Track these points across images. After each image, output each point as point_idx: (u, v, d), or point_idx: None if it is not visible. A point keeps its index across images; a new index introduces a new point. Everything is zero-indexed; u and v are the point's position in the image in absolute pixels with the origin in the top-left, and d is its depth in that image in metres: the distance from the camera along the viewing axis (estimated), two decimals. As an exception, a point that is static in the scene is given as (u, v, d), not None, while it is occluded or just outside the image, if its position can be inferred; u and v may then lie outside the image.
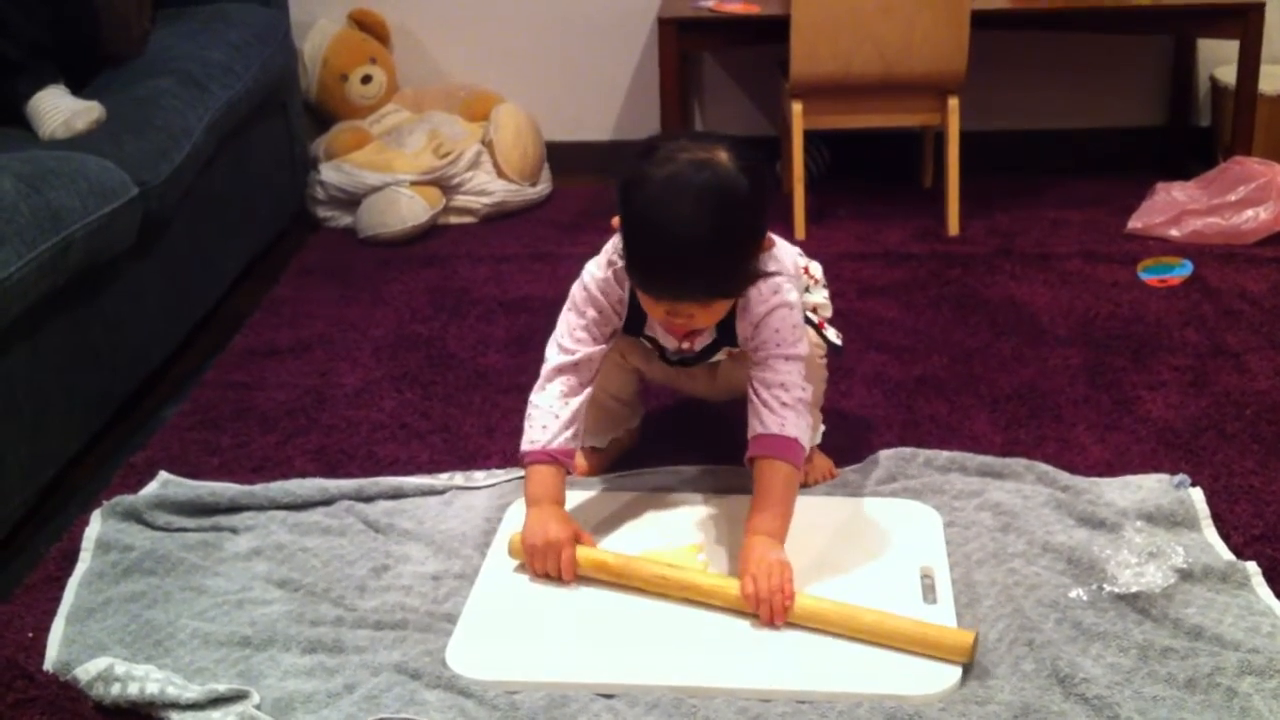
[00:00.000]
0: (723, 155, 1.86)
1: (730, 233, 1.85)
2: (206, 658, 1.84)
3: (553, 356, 2.05)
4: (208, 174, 2.93)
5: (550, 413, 2.02)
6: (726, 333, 2.03)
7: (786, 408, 1.97)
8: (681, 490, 2.20)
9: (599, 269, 2.04)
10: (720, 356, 2.12)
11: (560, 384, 2.04)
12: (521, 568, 2.00)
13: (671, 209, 1.83)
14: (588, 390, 2.05)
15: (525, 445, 2.03)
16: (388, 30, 3.85)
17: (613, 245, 2.01)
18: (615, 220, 1.94)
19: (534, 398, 2.05)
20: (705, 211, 1.83)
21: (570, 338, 2.05)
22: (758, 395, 1.99)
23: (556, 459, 2.02)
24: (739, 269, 1.91)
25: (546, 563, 1.96)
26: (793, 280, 2.04)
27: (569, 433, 2.02)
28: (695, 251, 1.83)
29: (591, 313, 2.04)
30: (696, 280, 1.88)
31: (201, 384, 2.71)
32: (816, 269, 2.24)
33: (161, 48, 3.08)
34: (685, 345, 2.08)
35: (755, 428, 1.98)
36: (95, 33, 2.94)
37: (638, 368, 2.22)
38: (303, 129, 3.63)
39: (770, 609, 1.84)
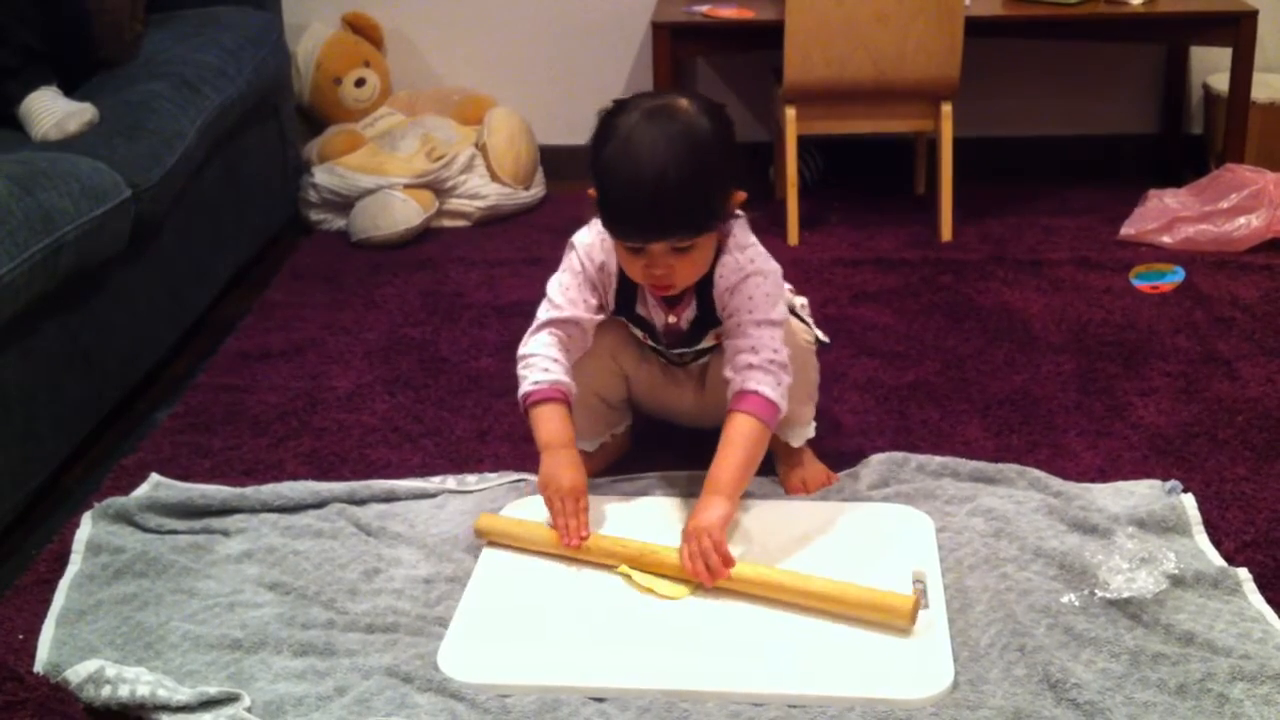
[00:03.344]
0: (683, 102, 1.95)
1: (696, 167, 1.90)
2: (197, 660, 1.83)
3: (542, 313, 2.09)
4: (200, 177, 2.93)
5: (547, 357, 2.06)
6: (708, 304, 2.07)
7: (753, 368, 2.01)
8: (671, 495, 2.20)
9: (588, 236, 2.09)
10: (709, 342, 2.14)
11: (550, 335, 2.07)
12: (508, 570, 2.01)
13: (637, 149, 1.90)
14: (574, 352, 2.09)
15: (527, 387, 2.05)
16: (381, 34, 3.85)
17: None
18: (591, 191, 1.98)
19: (525, 349, 2.08)
20: (670, 148, 1.89)
21: (563, 296, 2.09)
22: (728, 363, 2.04)
23: (565, 397, 2.04)
24: (708, 205, 1.95)
25: (565, 515, 1.99)
26: (768, 259, 2.08)
27: (569, 378, 2.05)
28: (663, 186, 1.89)
29: (581, 274, 2.08)
30: (667, 216, 1.92)
31: (193, 387, 2.71)
32: (803, 301, 2.28)
33: (154, 51, 3.08)
34: (672, 319, 2.10)
35: (727, 393, 2.04)
36: (88, 37, 2.93)
37: (626, 373, 2.23)
38: (296, 132, 3.63)
39: (706, 570, 1.90)
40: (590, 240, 2.09)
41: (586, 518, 2.01)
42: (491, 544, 2.07)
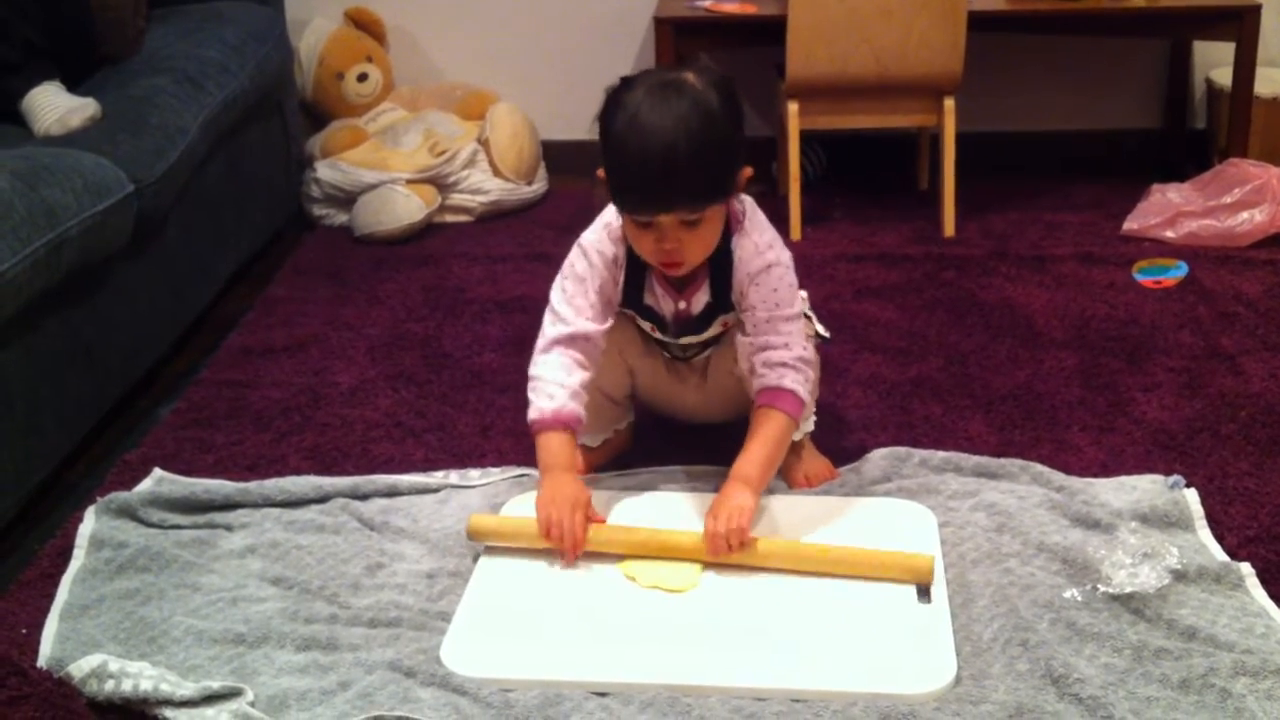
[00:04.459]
0: (690, 76, 1.96)
1: (704, 138, 1.91)
2: (200, 655, 1.83)
3: (549, 328, 2.09)
4: (203, 172, 2.93)
5: (555, 382, 2.05)
6: (721, 291, 2.07)
7: (784, 365, 2.04)
8: (675, 489, 2.20)
9: (593, 231, 2.10)
10: (716, 329, 2.15)
11: (559, 355, 2.07)
12: (511, 564, 2.01)
13: (645, 122, 1.91)
14: (589, 373, 2.08)
15: (533, 415, 2.06)
16: (384, 28, 3.85)
17: (608, 210, 2.06)
18: (600, 172, 1.99)
19: (535, 370, 2.08)
20: (678, 120, 1.90)
21: (568, 305, 2.09)
22: (757, 359, 2.05)
23: (568, 425, 2.04)
24: (717, 176, 1.95)
25: (561, 527, 1.98)
26: (784, 247, 2.10)
27: (576, 403, 2.05)
28: (672, 158, 1.89)
29: (587, 277, 2.08)
30: (676, 187, 1.92)
31: (196, 382, 2.71)
32: (803, 294, 2.28)
33: (157, 46, 3.08)
34: (683, 305, 2.10)
35: (755, 387, 2.06)
36: (91, 32, 2.93)
37: (632, 368, 2.23)
38: (299, 127, 3.63)
39: (725, 544, 1.93)
40: (597, 235, 2.09)
41: (584, 533, 1.98)
42: (489, 550, 2.06)
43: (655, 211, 1.95)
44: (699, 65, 1.99)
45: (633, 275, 2.09)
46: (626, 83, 1.98)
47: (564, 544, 1.97)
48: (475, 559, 2.04)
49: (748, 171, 2.02)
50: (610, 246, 2.08)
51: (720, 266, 2.06)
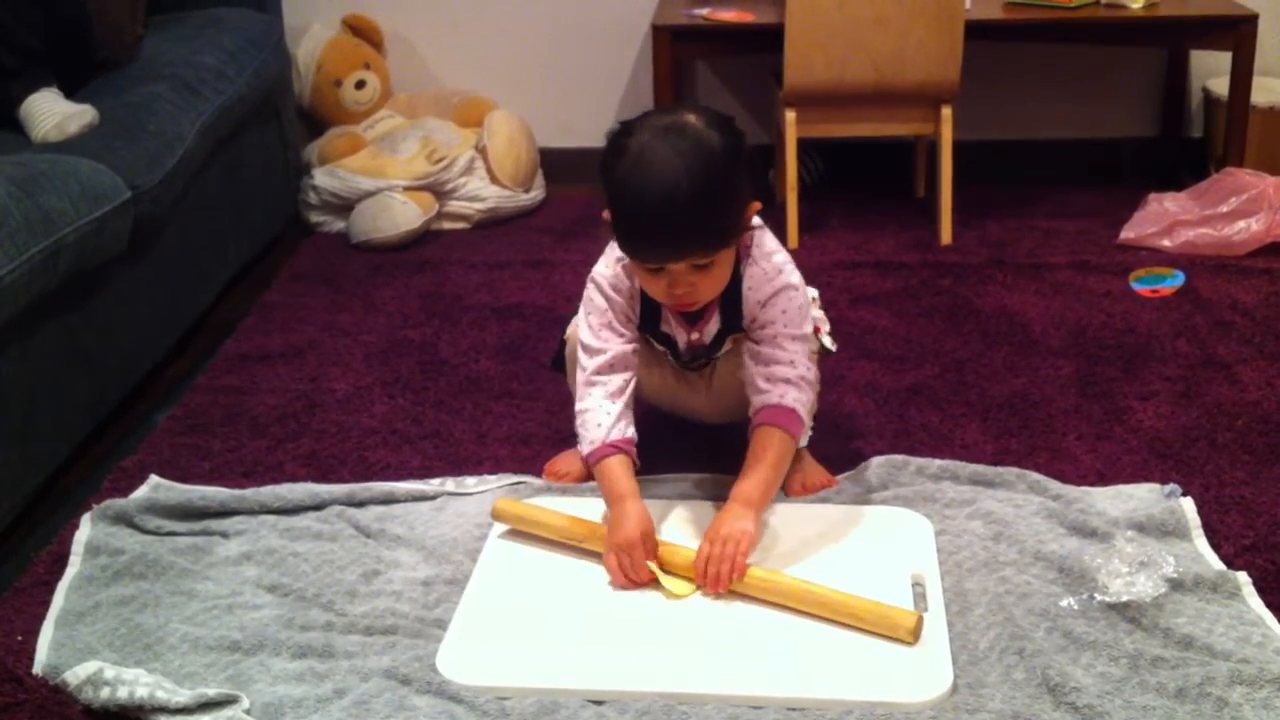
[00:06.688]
0: (691, 117, 1.93)
1: (708, 182, 1.89)
2: (196, 662, 1.83)
3: (585, 361, 2.09)
4: (201, 179, 2.93)
5: (601, 411, 2.06)
6: (732, 315, 2.07)
7: (788, 383, 2.03)
8: (675, 499, 2.19)
9: (606, 266, 2.09)
10: (726, 346, 2.15)
11: (601, 390, 2.08)
12: (507, 572, 2.01)
13: (648, 168, 1.89)
14: (629, 392, 2.09)
15: (585, 448, 2.07)
16: (382, 36, 3.85)
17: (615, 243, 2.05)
18: (606, 214, 1.97)
19: (579, 406, 2.09)
20: (680, 165, 1.87)
21: (596, 338, 2.09)
22: (760, 371, 2.04)
23: (619, 447, 2.05)
24: (723, 221, 1.94)
25: (623, 566, 1.96)
26: (795, 269, 2.09)
27: (623, 423, 2.06)
28: (676, 207, 1.87)
29: (609, 309, 2.08)
30: (682, 235, 1.91)
31: (193, 389, 2.70)
32: (814, 294, 2.29)
33: (155, 53, 3.08)
34: (695, 336, 2.11)
35: (756, 403, 2.04)
36: (88, 38, 2.93)
37: (638, 376, 2.23)
38: (296, 134, 3.63)
39: (716, 577, 1.91)
40: (610, 270, 2.09)
41: (645, 572, 1.96)
42: (512, 531, 2.07)
43: (662, 260, 1.94)
44: (698, 106, 1.98)
45: (648, 304, 2.09)
46: (626, 127, 1.95)
47: (630, 584, 1.96)
48: (472, 567, 2.04)
49: (755, 206, 2.01)
50: (624, 280, 2.08)
51: (730, 295, 2.05)
